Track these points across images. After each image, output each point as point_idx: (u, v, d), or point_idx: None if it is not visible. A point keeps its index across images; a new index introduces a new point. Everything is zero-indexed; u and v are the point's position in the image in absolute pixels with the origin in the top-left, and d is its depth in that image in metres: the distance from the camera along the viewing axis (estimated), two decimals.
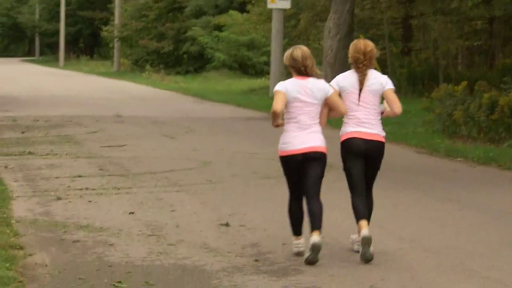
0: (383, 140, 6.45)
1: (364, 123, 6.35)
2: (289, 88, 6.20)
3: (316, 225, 6.15)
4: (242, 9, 35.04)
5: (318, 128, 6.27)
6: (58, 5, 60.05)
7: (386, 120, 17.37)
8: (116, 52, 45.60)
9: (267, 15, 27.42)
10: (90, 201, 8.39)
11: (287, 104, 6.20)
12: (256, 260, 6.26)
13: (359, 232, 6.25)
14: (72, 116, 17.96)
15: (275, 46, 24.29)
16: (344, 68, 22.01)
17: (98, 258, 6.24)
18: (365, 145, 6.35)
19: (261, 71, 35.29)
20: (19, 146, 12.77)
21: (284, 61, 6.34)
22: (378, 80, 6.42)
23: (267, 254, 6.47)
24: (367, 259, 6.14)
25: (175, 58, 39.98)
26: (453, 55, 24.80)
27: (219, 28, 35.88)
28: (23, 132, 14.72)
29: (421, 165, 11.64)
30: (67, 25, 61.21)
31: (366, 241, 6.12)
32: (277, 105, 6.15)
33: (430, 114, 15.43)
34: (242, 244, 6.77)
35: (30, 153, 11.93)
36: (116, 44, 44.81)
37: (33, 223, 7.37)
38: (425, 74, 23.76)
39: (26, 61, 68.12)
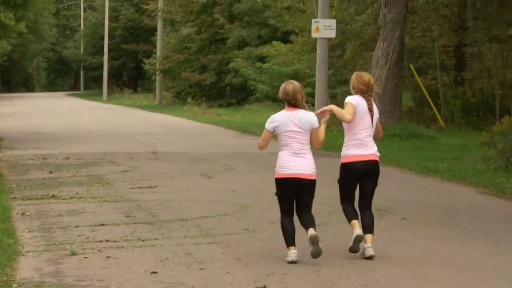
0: (377, 159, 7.42)
1: (365, 145, 7.26)
2: (278, 122, 7.09)
3: (310, 225, 7.09)
4: (285, 39, 34.11)
5: (309, 155, 7.12)
6: (102, 39, 60.04)
7: (442, 156, 16.07)
8: (158, 85, 45.03)
9: (312, 45, 26.45)
10: (108, 257, 7.30)
11: (279, 134, 7.12)
12: None
13: (354, 228, 7.25)
14: (105, 153, 17.02)
15: (319, 77, 23.15)
16: (394, 99, 20.80)
17: None
18: (364, 166, 7.26)
19: (305, 102, 34.16)
20: (43, 188, 11.80)
21: (279, 93, 7.21)
22: (376, 110, 7.42)
23: None
24: (354, 251, 7.22)
25: (217, 90, 39.16)
26: (509, 85, 23.39)
27: (262, 59, 34.96)
28: (50, 172, 13.78)
29: (486, 209, 10.31)
30: (111, 58, 61.15)
31: (359, 239, 7.14)
32: (262, 143, 7.24)
33: (491, 149, 14.10)
34: None
35: (53, 196, 10.93)
36: (158, 77, 44.24)
37: None
38: (480, 105, 22.42)
39: (71, 95, 68.27)
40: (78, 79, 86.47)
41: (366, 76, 7.37)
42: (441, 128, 21.97)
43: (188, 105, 36.58)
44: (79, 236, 8.24)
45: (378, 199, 10.72)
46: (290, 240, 7.01)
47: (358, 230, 7.17)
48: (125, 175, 13.36)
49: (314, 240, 6.90)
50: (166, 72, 42.77)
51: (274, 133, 7.15)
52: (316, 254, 6.93)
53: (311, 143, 7.18)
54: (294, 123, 7.03)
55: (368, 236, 7.18)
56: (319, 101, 23.29)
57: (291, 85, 7.07)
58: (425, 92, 22.67)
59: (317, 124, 7.10)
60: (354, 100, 7.25)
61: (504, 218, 9.59)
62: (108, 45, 58.34)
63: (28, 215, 9.52)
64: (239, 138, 21.68)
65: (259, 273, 6.72)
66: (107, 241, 7.98)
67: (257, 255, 7.39)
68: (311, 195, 7.13)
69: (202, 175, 13.40)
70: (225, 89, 38.68)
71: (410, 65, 23.29)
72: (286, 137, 7.06)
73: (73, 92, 76.54)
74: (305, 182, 7.03)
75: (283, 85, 7.14)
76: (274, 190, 11.30)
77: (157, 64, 43.22)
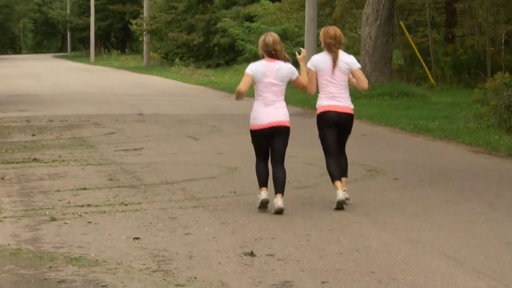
0: (352, 112, 7.65)
1: (336, 97, 7.54)
2: (257, 70, 7.30)
3: (279, 189, 7.27)
4: None
5: (282, 104, 7.33)
6: None
7: (434, 115, 15.83)
8: (145, 46, 44.43)
9: (300, 3, 25.97)
10: (89, 222, 7.01)
11: (255, 83, 7.31)
12: None
13: (336, 189, 7.40)
14: (90, 115, 16.67)
15: (309, 36, 22.75)
16: (384, 57, 20.42)
17: None
18: (337, 116, 7.54)
19: (295, 62, 33.70)
20: (25, 151, 11.47)
21: (258, 46, 7.42)
22: (346, 61, 7.59)
23: None
24: (339, 207, 7.35)
25: (205, 50, 38.63)
26: (500, 42, 23.04)
27: (250, 18, 34.41)
28: (33, 135, 13.44)
29: (480, 168, 10.05)
30: (97, 19, 60.30)
31: (341, 203, 7.34)
32: (242, 85, 7.28)
33: (484, 107, 13.82)
34: (270, 283, 5.33)
35: (35, 159, 10.61)
36: (145, 38, 43.62)
37: (14, 255, 6.01)
38: (471, 62, 22.07)
39: (58, 57, 67.51)
40: (65, 40, 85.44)
41: (332, 29, 7.63)
42: (432, 86, 21.66)
43: (176, 66, 36.11)
44: (59, 200, 7.94)
45: (369, 159, 10.47)
46: (263, 182, 7.36)
47: (340, 193, 7.33)
48: (109, 138, 13.03)
49: (278, 211, 7.19)
50: (153, 32, 42.14)
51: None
52: (276, 211, 7.23)
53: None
54: (270, 74, 7.27)
55: (342, 180, 7.51)
56: (308, 60, 22.92)
57: (271, 37, 7.32)
58: (416, 50, 22.31)
59: (296, 74, 7.36)
60: (315, 63, 7.57)
61: (498, 177, 9.33)
62: (95, 5, 57.50)
63: (8, 179, 9.21)
64: (227, 99, 21.32)
65: (246, 238, 6.45)
66: (89, 205, 7.69)
67: (244, 219, 7.12)
68: (284, 143, 7.33)
69: (188, 137, 13.09)
70: (213, 49, 38.16)
71: (401, 22, 22.87)
72: (261, 87, 7.29)
73: (60, 54, 75.69)
74: (278, 128, 7.26)
75: (262, 37, 7.36)
76: None
77: (144, 25, 42.57)
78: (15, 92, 23.75)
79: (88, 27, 59.86)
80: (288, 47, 34.64)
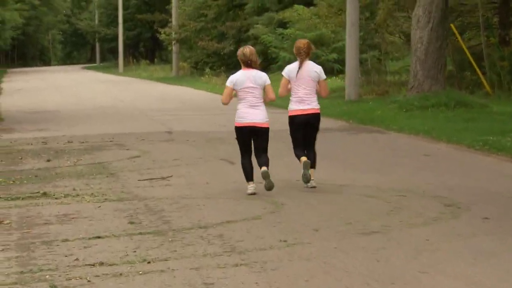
0: (318, 111, 8.95)
1: (304, 101, 8.82)
2: (237, 79, 8.60)
3: (263, 165, 8.62)
4: (308, 2, 31.82)
5: (263, 107, 8.65)
6: (117, 9, 57.98)
7: (500, 128, 13.80)
8: (174, 55, 43.03)
9: (338, 7, 24.24)
10: None
11: (238, 90, 8.59)
12: None
13: (301, 162, 8.68)
14: (114, 134, 15.11)
15: (350, 40, 21.02)
16: (438, 64, 18.53)
17: None
18: (305, 118, 8.82)
19: (331, 70, 31.85)
20: (35, 182, 9.91)
21: (238, 55, 8.71)
22: (313, 69, 8.88)
23: None
24: (307, 180, 8.65)
25: (237, 59, 37.02)
26: None
27: (283, 24, 32.73)
28: (48, 160, 11.88)
29: None
30: (126, 29, 59.16)
31: (306, 164, 8.60)
32: (224, 98, 8.68)
33: None
34: None
35: (44, 194, 9.01)
36: (174, 47, 42.19)
37: None
38: None
39: (87, 68, 66.51)
40: (94, 51, 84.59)
41: (303, 40, 8.97)
42: (488, 94, 19.77)
43: (206, 76, 34.59)
44: (65, 256, 6.29)
45: (442, 189, 8.70)
46: (249, 176, 8.59)
47: (304, 158, 8.56)
48: (133, 163, 11.42)
49: (265, 175, 8.36)
50: (182, 41, 40.74)
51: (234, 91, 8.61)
52: (269, 187, 8.39)
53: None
54: (250, 80, 8.54)
55: (311, 171, 8.68)
56: (350, 67, 21.15)
57: (248, 49, 8.60)
58: (469, 55, 20.41)
59: (268, 81, 8.63)
60: (286, 71, 8.91)
61: None
62: (123, 15, 56.36)
63: (8, 223, 7.60)
64: None
65: None
66: (102, 264, 6.02)
67: (303, 285, 5.39)
68: (266, 140, 8.64)
69: (222, 160, 11.41)
70: None
71: (452, 25, 20.99)
72: (243, 92, 8.55)
73: (90, 65, 74.77)
74: (259, 129, 8.56)
75: (241, 49, 8.69)
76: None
77: (173, 34, 41.15)
78: (37, 108, 22.34)
79: (116, 37, 58.76)
80: (324, 54, 32.91)
